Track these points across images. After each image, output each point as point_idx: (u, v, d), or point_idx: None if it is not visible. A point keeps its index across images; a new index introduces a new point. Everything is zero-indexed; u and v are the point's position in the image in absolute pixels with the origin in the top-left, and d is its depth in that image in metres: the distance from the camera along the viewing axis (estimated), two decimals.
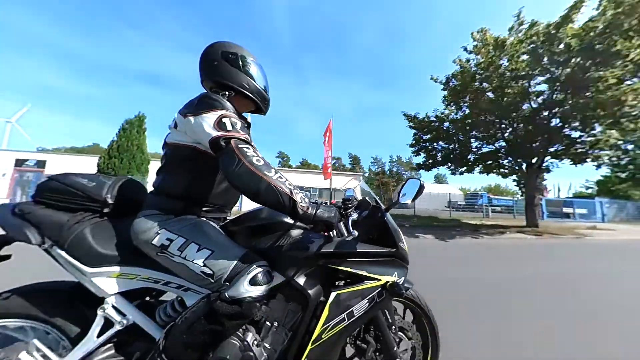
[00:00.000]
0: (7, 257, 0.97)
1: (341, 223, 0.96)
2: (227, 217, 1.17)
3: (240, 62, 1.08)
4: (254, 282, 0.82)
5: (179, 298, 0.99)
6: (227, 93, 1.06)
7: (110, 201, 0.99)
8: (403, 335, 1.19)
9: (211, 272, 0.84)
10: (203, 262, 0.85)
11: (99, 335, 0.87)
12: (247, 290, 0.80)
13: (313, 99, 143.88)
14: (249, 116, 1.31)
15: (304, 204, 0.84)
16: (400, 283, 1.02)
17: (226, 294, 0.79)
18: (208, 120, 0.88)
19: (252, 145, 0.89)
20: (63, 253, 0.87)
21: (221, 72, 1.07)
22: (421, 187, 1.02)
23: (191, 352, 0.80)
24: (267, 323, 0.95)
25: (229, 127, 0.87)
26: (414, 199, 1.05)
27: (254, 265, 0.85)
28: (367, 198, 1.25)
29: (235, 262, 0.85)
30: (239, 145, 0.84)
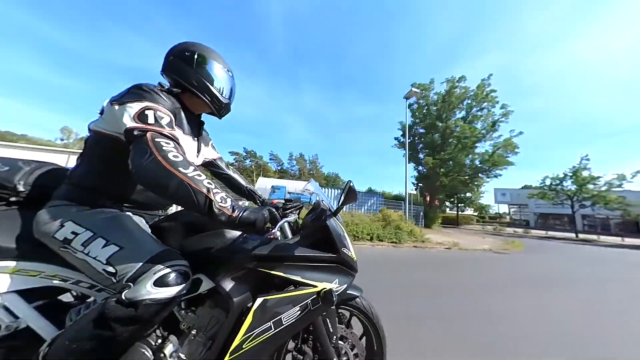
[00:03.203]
0: None
1: (277, 226, 0.88)
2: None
3: (195, 61, 1.03)
4: (160, 283, 0.74)
5: (95, 299, 0.90)
6: (175, 90, 1.03)
7: (21, 189, 0.90)
8: (346, 346, 1.13)
9: (114, 271, 0.76)
10: (106, 260, 0.77)
11: None
12: (149, 292, 0.72)
13: (305, 106, 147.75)
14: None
15: (225, 205, 0.76)
16: (340, 291, 0.98)
17: (124, 295, 0.72)
18: (130, 110, 0.82)
19: (175, 142, 0.83)
20: None
21: (174, 68, 1.04)
22: (350, 190, 0.98)
23: None
24: (192, 331, 0.88)
25: (151, 120, 0.82)
26: (343, 202, 1.00)
27: (164, 265, 0.77)
28: (321, 201, 1.19)
29: (145, 260, 0.77)
30: (156, 139, 0.78)
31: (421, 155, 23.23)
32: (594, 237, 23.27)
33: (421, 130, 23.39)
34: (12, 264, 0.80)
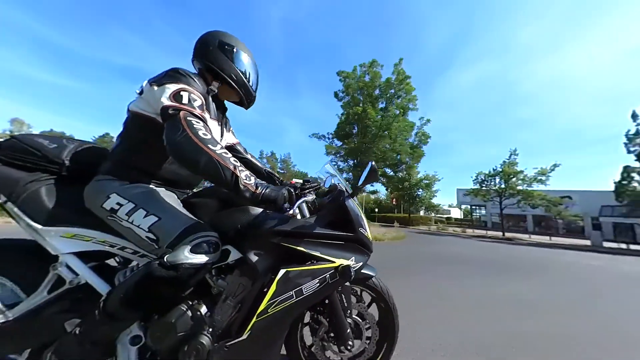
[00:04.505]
0: None
1: (295, 205, 0.92)
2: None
3: (234, 55, 1.13)
4: (195, 250, 0.82)
5: (139, 264, 1.01)
6: (210, 77, 1.12)
7: (68, 164, 0.99)
8: (360, 322, 1.19)
9: (155, 238, 0.86)
10: (148, 228, 0.87)
11: (50, 291, 0.90)
12: (186, 257, 0.80)
13: (302, 110, 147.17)
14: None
15: (249, 182, 0.82)
16: (356, 268, 1.02)
17: (165, 258, 0.80)
18: (167, 90, 0.89)
19: (203, 121, 0.89)
20: (16, 209, 0.89)
21: (214, 58, 1.10)
22: (372, 170, 1.00)
23: (130, 312, 0.82)
24: (223, 296, 0.96)
25: (185, 101, 0.88)
26: (364, 183, 1.03)
27: (198, 235, 0.86)
28: (338, 183, 1.22)
29: (181, 230, 0.86)
30: (187, 118, 0.84)
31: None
32: (526, 236, 22.52)
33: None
34: (70, 229, 0.91)
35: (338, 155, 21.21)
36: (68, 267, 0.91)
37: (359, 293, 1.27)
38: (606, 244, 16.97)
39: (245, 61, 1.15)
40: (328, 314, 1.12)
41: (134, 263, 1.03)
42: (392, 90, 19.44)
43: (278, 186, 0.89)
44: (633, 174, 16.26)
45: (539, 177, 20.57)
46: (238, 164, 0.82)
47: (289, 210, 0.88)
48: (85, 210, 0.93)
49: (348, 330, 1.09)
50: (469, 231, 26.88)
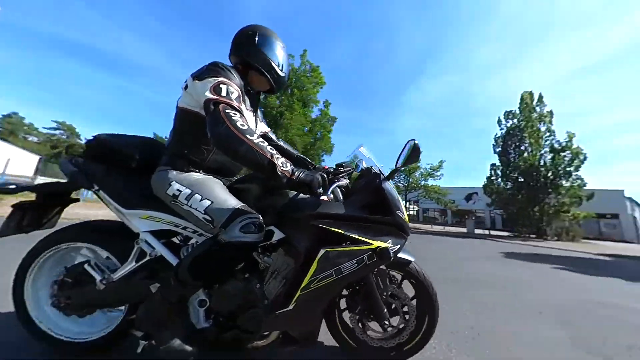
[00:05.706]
0: (77, 200, 1.33)
1: (330, 189, 0.97)
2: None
3: (258, 41, 1.20)
4: (244, 230, 0.92)
5: (197, 241, 1.16)
6: (239, 67, 1.22)
7: (137, 157, 1.17)
8: (398, 304, 1.22)
9: (211, 219, 0.98)
10: (204, 210, 0.98)
11: (137, 261, 1.13)
12: (237, 236, 0.91)
13: None
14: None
15: (286, 168, 0.88)
16: (394, 250, 1.03)
17: (220, 237, 0.93)
18: (208, 84, 0.97)
19: (240, 113, 0.95)
20: (106, 196, 1.11)
21: (242, 49, 1.21)
22: (414, 149, 0.97)
23: (195, 280, 0.96)
24: (270, 272, 1.08)
25: (223, 93, 0.96)
26: (404, 163, 1.01)
27: (246, 216, 0.95)
28: (372, 166, 1.22)
29: (231, 212, 0.96)
30: (226, 110, 0.91)
31: None
32: (429, 226, 25.10)
33: None
34: (144, 212, 1.11)
35: None
36: (147, 242, 1.12)
37: (397, 279, 1.29)
38: (478, 231, 19.72)
39: (271, 45, 1.22)
40: (364, 294, 1.17)
41: (193, 240, 1.18)
42: (303, 83, 19.45)
43: (312, 171, 0.94)
44: (498, 172, 19.19)
45: (432, 173, 23.24)
46: (274, 151, 0.88)
47: (323, 195, 0.92)
48: (153, 196, 1.10)
49: (384, 311, 1.15)
50: None
